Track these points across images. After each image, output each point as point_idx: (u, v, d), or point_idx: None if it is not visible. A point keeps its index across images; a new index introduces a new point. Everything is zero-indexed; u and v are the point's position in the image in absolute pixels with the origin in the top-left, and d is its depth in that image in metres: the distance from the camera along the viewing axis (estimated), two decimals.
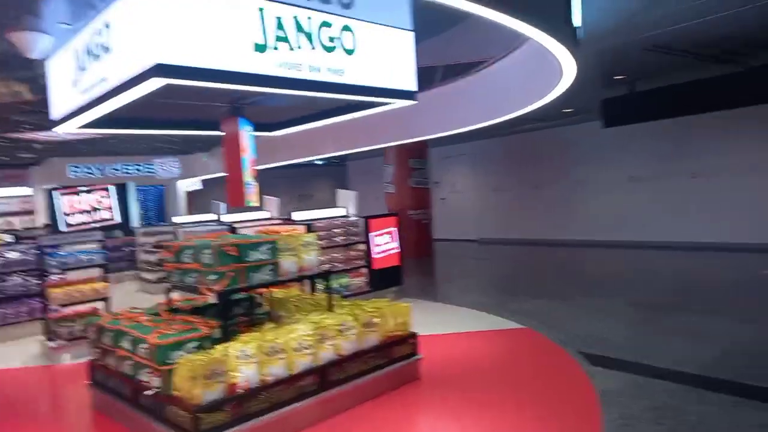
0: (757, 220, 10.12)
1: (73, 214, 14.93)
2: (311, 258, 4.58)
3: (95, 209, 15.24)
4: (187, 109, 4.76)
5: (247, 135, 5.07)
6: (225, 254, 3.90)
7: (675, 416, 3.62)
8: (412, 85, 4.50)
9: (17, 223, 13.80)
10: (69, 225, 14.74)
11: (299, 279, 4.55)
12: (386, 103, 4.79)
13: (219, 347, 3.65)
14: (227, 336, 3.93)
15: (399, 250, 8.12)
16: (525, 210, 14.47)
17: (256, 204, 5.41)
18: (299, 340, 3.91)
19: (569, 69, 5.11)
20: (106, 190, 15.34)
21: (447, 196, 16.69)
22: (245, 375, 3.57)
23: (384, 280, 7.93)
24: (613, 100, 8.86)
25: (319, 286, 5.20)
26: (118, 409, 4.04)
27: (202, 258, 4.02)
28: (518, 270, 10.98)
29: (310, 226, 7.22)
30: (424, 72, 7.48)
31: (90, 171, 13.29)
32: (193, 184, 16.44)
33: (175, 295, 4.70)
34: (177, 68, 3.24)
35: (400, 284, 8.15)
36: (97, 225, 15.21)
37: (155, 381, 3.71)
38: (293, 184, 21.51)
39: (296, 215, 7.61)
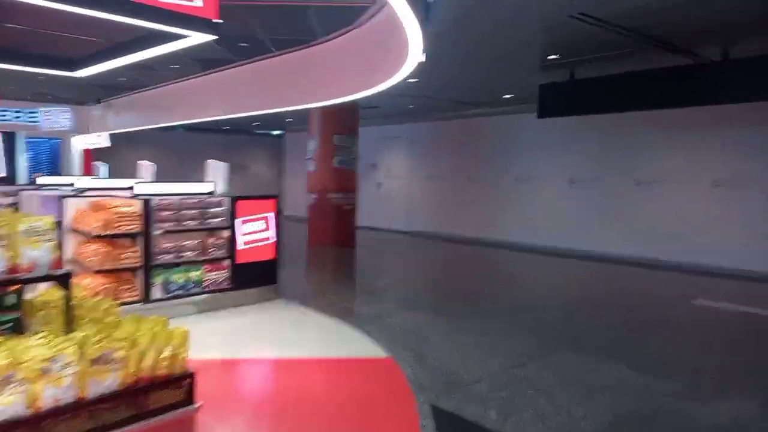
0: (707, 237, 9.09)
1: None
2: (38, 253, 3.11)
3: None
4: None
5: None
6: None
7: None
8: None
9: None
10: None
11: (10, 282, 3.07)
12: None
13: None
14: None
15: (275, 241, 6.71)
16: (458, 203, 13.23)
17: None
18: None
19: (414, 39, 3.78)
20: None
21: (383, 181, 15.32)
22: None
23: (251, 276, 6.52)
24: (549, 87, 7.57)
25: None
26: None
27: None
28: (430, 272, 9.72)
29: (148, 201, 5.73)
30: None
31: None
32: (100, 140, 14.54)
33: None
34: None
35: (273, 282, 6.75)
36: None
37: None
38: (227, 152, 19.75)
39: (139, 187, 6.09)
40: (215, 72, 7.45)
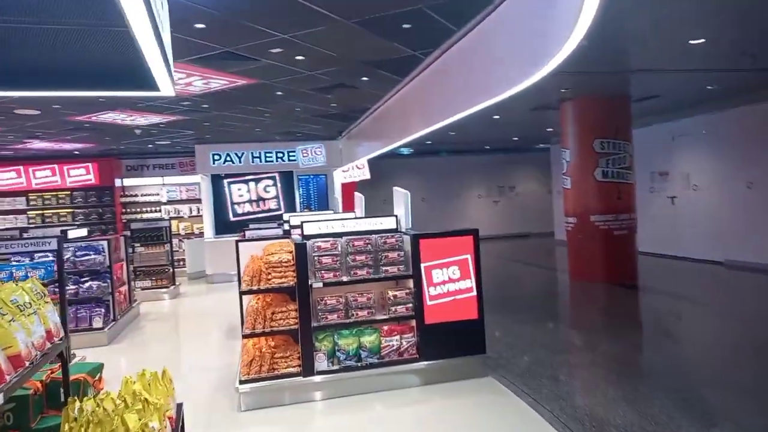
0: None
1: (241, 203, 14.82)
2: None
3: (261, 198, 14.89)
4: None
5: None
6: None
7: None
8: None
9: (186, 211, 14.13)
10: (236, 214, 14.69)
11: None
12: None
13: None
14: None
15: (476, 294, 4.77)
16: None
17: None
18: None
19: None
20: (273, 178, 14.85)
21: (678, 193, 11.59)
22: None
23: (446, 342, 4.72)
24: None
25: None
26: None
27: None
28: (751, 335, 6.21)
29: (302, 246, 4.51)
30: None
31: (230, 159, 12.70)
32: (361, 172, 14.77)
33: None
34: None
35: (479, 351, 4.79)
36: (264, 215, 14.90)
37: None
38: (493, 172, 18.43)
39: (309, 226, 4.93)
40: (411, 80, 6.02)
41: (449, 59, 5.22)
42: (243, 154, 12.67)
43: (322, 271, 4.58)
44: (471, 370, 4.74)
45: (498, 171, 18.47)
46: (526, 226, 18.01)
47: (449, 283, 4.73)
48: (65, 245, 7.05)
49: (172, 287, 10.51)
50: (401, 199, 5.04)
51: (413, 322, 4.77)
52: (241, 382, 4.36)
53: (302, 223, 4.95)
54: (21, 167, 12.75)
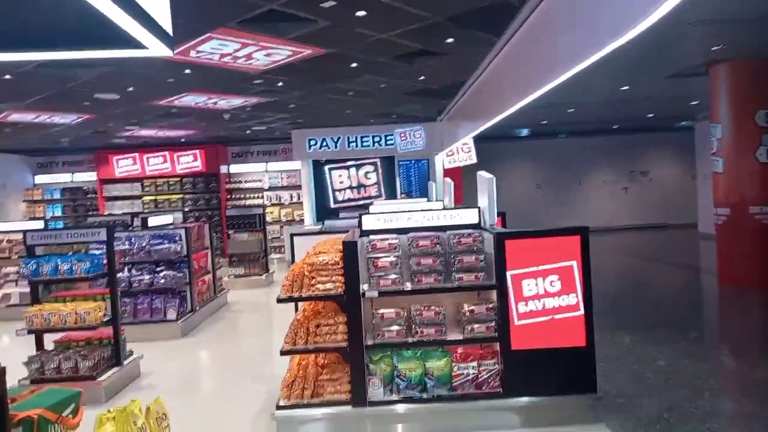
0: None
1: (342, 190, 14.34)
2: None
3: (362, 185, 14.29)
4: None
5: None
6: None
7: None
8: None
9: (286, 197, 13.94)
10: (337, 201, 14.25)
11: None
12: None
13: None
14: None
15: (583, 313, 3.54)
16: None
17: None
18: None
19: None
20: (374, 164, 14.17)
21: None
22: None
23: (541, 376, 3.57)
24: None
25: None
26: None
27: None
28: None
29: (352, 245, 3.59)
30: None
31: (326, 144, 12.11)
32: (467, 156, 13.51)
33: None
34: None
35: (587, 389, 3.56)
36: (363, 202, 14.31)
37: None
38: (620, 156, 16.20)
39: (369, 220, 4.00)
40: (509, 40, 4.77)
41: (550, 7, 3.98)
42: (339, 138, 12.08)
43: (379, 277, 3.65)
44: (574, 414, 3.54)
45: (628, 154, 16.18)
46: (662, 217, 15.63)
47: (546, 298, 3.55)
48: (142, 234, 6.85)
49: (265, 275, 10.22)
50: (485, 186, 3.92)
51: (496, 346, 3.68)
52: (279, 408, 3.59)
53: (360, 215, 4.05)
54: (136, 154, 13.31)
